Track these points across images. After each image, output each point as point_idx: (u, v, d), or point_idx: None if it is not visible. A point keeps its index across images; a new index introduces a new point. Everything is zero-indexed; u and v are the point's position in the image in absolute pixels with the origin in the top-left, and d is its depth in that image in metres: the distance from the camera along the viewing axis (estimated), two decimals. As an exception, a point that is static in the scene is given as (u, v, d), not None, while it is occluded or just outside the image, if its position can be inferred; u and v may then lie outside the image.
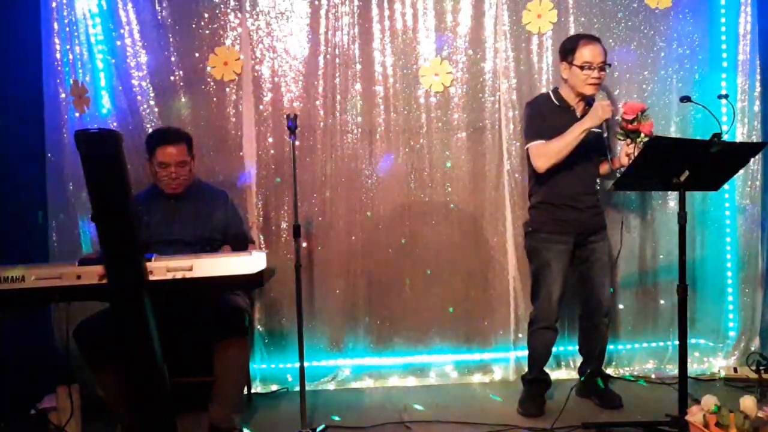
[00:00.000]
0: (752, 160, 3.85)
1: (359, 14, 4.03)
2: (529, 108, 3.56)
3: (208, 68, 4.00)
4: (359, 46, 4.05)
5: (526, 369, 3.64)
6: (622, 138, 3.30)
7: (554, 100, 3.49)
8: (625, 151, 3.34)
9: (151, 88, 3.97)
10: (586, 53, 3.35)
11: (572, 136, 3.26)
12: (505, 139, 4.05)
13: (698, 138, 3.44)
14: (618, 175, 3.32)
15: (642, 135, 3.21)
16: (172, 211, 3.35)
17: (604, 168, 3.61)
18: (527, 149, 3.45)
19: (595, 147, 3.44)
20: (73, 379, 3.28)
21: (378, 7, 4.03)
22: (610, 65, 3.43)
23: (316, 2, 4.02)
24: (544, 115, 3.42)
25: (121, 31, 3.93)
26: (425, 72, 4.05)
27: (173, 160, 3.29)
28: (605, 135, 3.56)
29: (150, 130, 3.88)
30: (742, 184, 4.10)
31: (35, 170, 3.83)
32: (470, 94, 4.08)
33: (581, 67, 3.35)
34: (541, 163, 3.37)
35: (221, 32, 4.01)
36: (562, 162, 3.33)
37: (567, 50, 3.43)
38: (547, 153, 3.34)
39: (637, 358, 4.14)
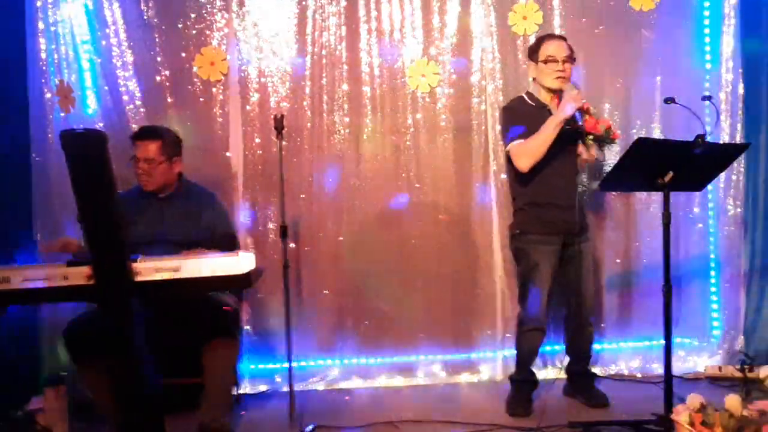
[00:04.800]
0: (735, 161, 3.89)
1: (346, 15, 4.04)
2: (505, 111, 3.59)
3: (195, 68, 3.99)
4: (346, 46, 4.05)
5: (514, 369, 3.66)
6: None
7: (529, 101, 3.52)
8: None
9: (137, 88, 3.96)
10: (549, 48, 3.43)
11: (547, 131, 3.30)
12: (491, 139, 4.07)
13: (682, 139, 3.47)
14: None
15: (587, 134, 3.29)
16: (160, 210, 3.34)
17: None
18: (508, 151, 3.47)
19: (573, 143, 3.42)
20: (60, 380, 3.27)
21: (365, 8, 4.04)
22: (574, 59, 3.47)
23: (303, 3, 4.02)
24: (521, 117, 3.44)
25: (107, 30, 3.92)
26: (412, 73, 4.06)
27: (142, 156, 3.27)
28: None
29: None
30: (725, 184, 4.14)
31: (20, 170, 3.81)
32: (457, 95, 4.10)
33: (545, 62, 3.42)
34: (523, 163, 3.39)
35: (208, 32, 4.00)
36: (543, 159, 3.36)
37: (532, 50, 3.54)
38: (527, 151, 3.37)
39: (623, 357, 4.18)
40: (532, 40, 4.04)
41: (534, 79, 3.53)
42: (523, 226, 3.55)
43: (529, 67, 3.55)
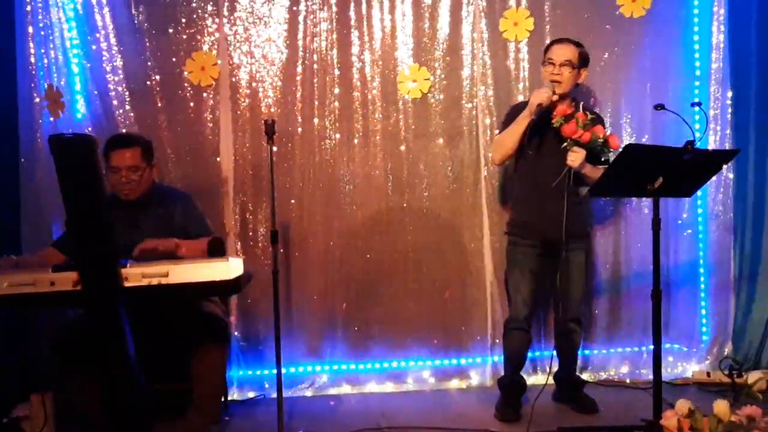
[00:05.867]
0: (724, 167, 3.90)
1: (337, 20, 4.03)
2: (508, 109, 3.69)
3: (185, 73, 3.97)
4: (337, 52, 4.04)
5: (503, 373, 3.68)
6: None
7: None
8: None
9: (127, 93, 3.93)
10: (551, 51, 3.47)
11: (514, 125, 3.38)
12: (482, 145, 4.07)
13: (672, 145, 3.48)
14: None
15: (566, 138, 3.28)
16: (133, 219, 3.24)
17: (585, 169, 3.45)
18: None
19: (562, 150, 3.37)
20: (46, 387, 3.24)
21: (356, 14, 4.04)
22: (579, 66, 3.44)
23: (294, 8, 4.01)
24: (516, 116, 3.45)
25: (97, 35, 3.89)
26: (403, 78, 4.06)
27: (124, 164, 3.16)
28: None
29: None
30: (714, 190, 4.16)
31: (9, 175, 3.78)
32: (448, 101, 4.10)
33: (545, 64, 3.47)
34: (493, 156, 3.63)
35: (198, 37, 3.99)
36: (531, 165, 3.44)
37: (544, 53, 3.56)
38: (495, 145, 3.55)
39: (612, 362, 4.19)
40: (523, 46, 4.08)
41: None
42: (507, 228, 3.68)
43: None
